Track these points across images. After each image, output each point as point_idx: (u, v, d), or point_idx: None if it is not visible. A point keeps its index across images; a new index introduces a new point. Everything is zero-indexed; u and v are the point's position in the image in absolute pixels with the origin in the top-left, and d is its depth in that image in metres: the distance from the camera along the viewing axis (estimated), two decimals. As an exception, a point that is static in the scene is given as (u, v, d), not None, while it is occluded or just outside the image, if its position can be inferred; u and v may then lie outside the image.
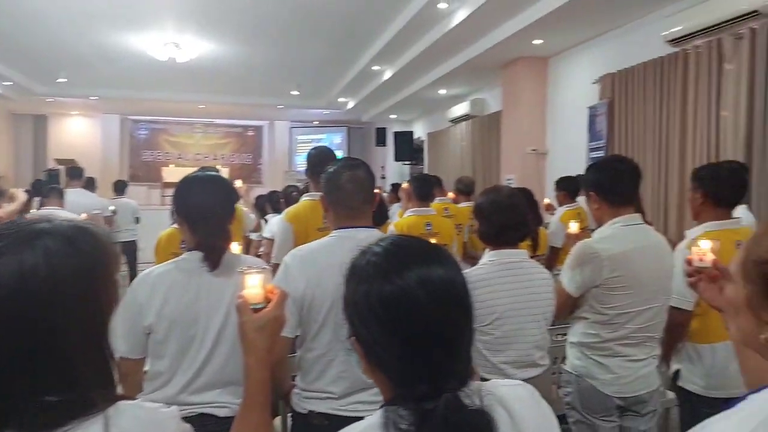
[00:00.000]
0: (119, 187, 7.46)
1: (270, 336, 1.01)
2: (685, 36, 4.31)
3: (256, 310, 1.01)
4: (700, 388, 2.09)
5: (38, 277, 0.71)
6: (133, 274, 7.24)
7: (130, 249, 7.23)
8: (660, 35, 4.52)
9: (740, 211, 2.35)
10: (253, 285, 1.04)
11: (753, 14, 3.71)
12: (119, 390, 0.80)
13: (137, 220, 7.29)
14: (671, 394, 2.46)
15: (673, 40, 4.43)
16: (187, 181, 1.71)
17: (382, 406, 0.78)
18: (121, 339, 1.59)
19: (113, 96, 10.27)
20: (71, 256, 0.75)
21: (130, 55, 7.54)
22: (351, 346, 0.82)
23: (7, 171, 11.50)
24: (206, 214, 1.61)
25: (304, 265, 1.64)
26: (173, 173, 12.63)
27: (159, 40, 6.88)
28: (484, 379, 0.87)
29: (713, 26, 4.03)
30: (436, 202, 4.41)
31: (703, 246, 1.26)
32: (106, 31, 6.61)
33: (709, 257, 1.25)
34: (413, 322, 0.76)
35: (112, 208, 6.77)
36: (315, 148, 2.92)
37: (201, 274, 1.60)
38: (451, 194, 4.95)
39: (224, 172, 12.33)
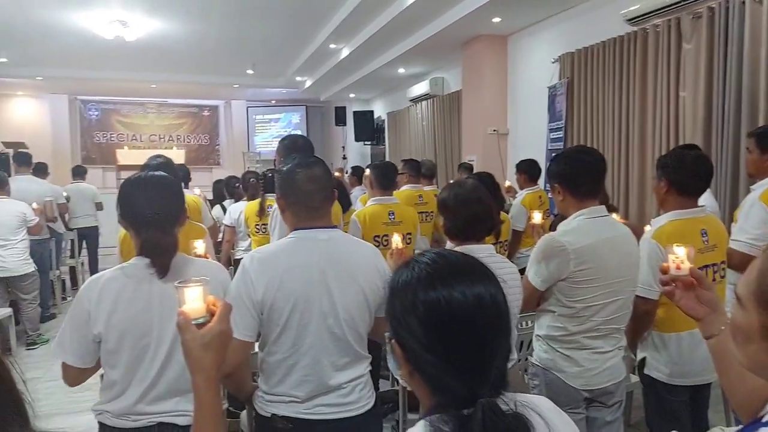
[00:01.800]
0: (78, 172, 7.21)
1: (216, 352, 0.95)
2: (643, 15, 4.30)
3: (199, 325, 0.95)
4: (665, 376, 2.11)
5: None
6: (93, 260, 7.03)
7: (92, 235, 7.05)
8: (619, 14, 4.50)
9: (704, 197, 2.35)
10: (194, 298, 0.96)
11: (711, -7, 3.72)
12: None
13: (99, 206, 7.05)
14: (635, 378, 2.49)
15: (631, 19, 4.43)
16: (129, 183, 1.61)
17: (421, 418, 0.80)
18: (68, 347, 1.54)
19: (59, 75, 9.79)
20: None
21: (75, 33, 7.16)
22: (390, 349, 0.86)
23: (-52, 155, 10.84)
24: (150, 219, 1.51)
25: (264, 268, 1.56)
26: (128, 155, 12.25)
27: (104, 17, 6.52)
28: None
29: (672, 5, 4.03)
30: (408, 189, 4.34)
31: (679, 253, 1.22)
32: (46, 7, 6.20)
33: (686, 266, 1.20)
34: (454, 327, 0.80)
35: (65, 194, 6.49)
36: (287, 137, 2.89)
37: (151, 281, 1.53)
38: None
39: (180, 154, 12.02)
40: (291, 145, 2.68)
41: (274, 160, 2.86)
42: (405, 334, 0.82)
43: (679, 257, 1.21)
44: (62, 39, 7.41)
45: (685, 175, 2.08)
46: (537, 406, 0.83)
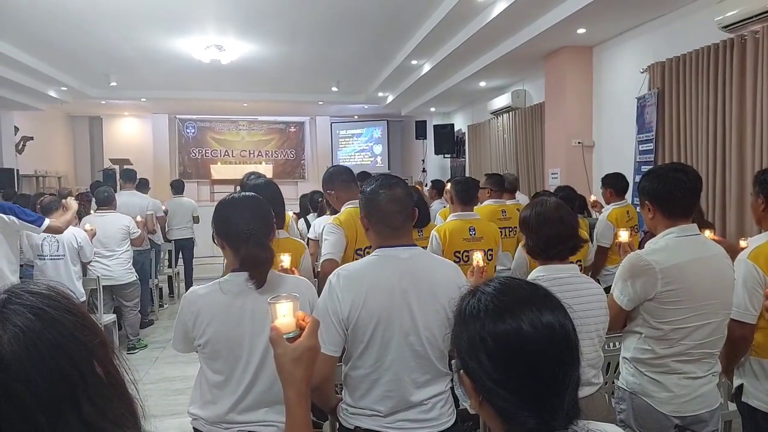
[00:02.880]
0: (177, 187, 7.63)
1: (307, 366, 0.99)
2: (741, 21, 4.05)
3: (290, 340, 1.00)
4: (765, 404, 2.00)
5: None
6: (188, 270, 7.47)
7: (188, 246, 7.42)
8: (713, 21, 4.27)
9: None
10: (284, 314, 1.02)
11: (819, -4, 3.47)
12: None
13: (196, 219, 7.42)
14: (733, 406, 2.36)
15: (727, 26, 4.18)
16: (224, 204, 1.73)
17: None
18: (179, 344, 1.73)
19: (161, 96, 10.60)
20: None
21: (176, 58, 7.74)
22: (459, 380, 0.86)
23: (67, 171, 12.09)
24: (245, 235, 1.62)
25: (349, 285, 1.64)
26: (221, 170, 13.12)
27: (201, 42, 7.04)
28: None
29: (774, 10, 3.78)
30: (490, 203, 4.34)
31: None
32: (149, 35, 6.79)
33: None
34: (524, 360, 0.79)
35: (163, 208, 7.00)
36: (333, 167, 3.25)
37: (246, 295, 1.63)
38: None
39: (269, 169, 12.65)
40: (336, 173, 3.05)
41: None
42: (474, 367, 0.81)
43: None
44: (164, 63, 8.02)
45: (786, 192, 1.98)
46: None
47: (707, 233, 2.52)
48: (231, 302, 1.63)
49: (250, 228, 1.63)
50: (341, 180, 2.99)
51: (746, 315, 1.94)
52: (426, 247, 3.20)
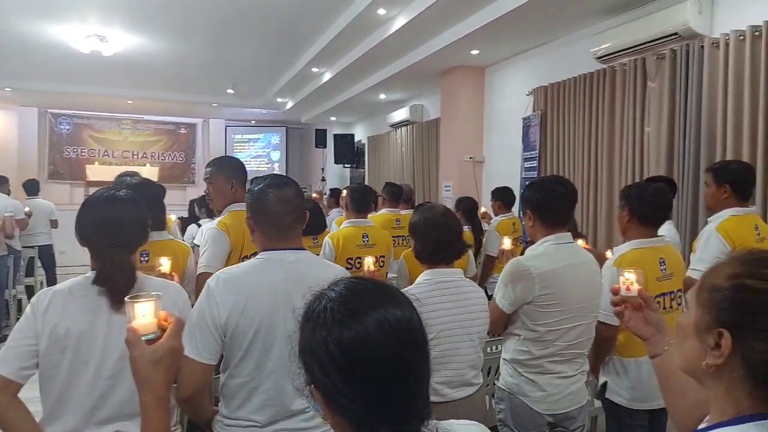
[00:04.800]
0: (31, 187, 6.86)
1: (167, 369, 0.93)
2: (612, 53, 4.49)
3: (150, 342, 0.93)
4: (625, 400, 2.17)
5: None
6: (51, 280, 6.80)
7: (48, 253, 6.81)
8: (589, 51, 4.69)
9: (665, 228, 2.45)
10: (144, 314, 0.95)
11: (674, 36, 3.91)
12: None
13: (54, 223, 6.81)
14: (598, 403, 2.54)
15: (601, 57, 4.62)
16: (90, 204, 1.55)
17: None
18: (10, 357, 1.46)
19: (30, 88, 9.58)
20: None
21: (49, 46, 7.06)
22: (309, 394, 0.81)
23: None
24: (105, 244, 1.47)
25: (229, 289, 1.54)
26: (98, 171, 11.99)
27: (81, 31, 6.47)
28: None
29: (638, 45, 4.22)
30: (385, 212, 4.40)
31: (629, 276, 1.29)
32: (19, 18, 6.13)
33: (635, 287, 1.27)
34: (374, 365, 0.75)
35: (26, 209, 6.33)
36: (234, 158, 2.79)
37: (100, 299, 1.48)
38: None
39: (154, 172, 11.87)
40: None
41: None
42: (323, 380, 0.77)
43: (629, 279, 1.28)
44: (35, 51, 7.28)
45: (645, 206, 2.18)
46: None
47: (580, 242, 2.73)
48: (84, 303, 1.48)
49: (110, 242, 1.46)
50: (243, 179, 2.62)
51: (611, 317, 2.09)
52: (319, 254, 3.14)
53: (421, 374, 0.79)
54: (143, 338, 0.93)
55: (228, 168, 2.59)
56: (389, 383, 0.76)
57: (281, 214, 1.62)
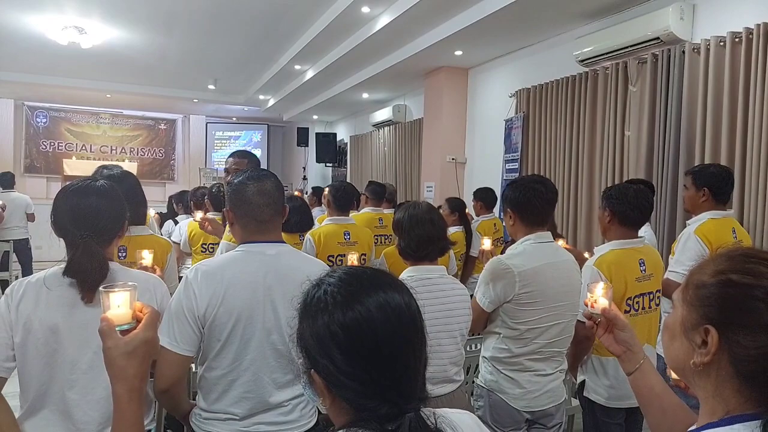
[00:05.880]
0: (5, 181, 6.74)
1: (142, 361, 0.91)
2: (594, 57, 4.54)
3: (124, 332, 0.91)
4: (602, 399, 2.19)
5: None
6: (27, 275, 6.62)
7: (24, 248, 6.70)
8: (572, 55, 4.73)
9: (643, 230, 2.48)
10: (119, 304, 0.93)
11: (655, 41, 3.97)
12: None
13: (30, 217, 6.71)
14: (576, 402, 2.56)
15: (583, 60, 4.66)
16: (67, 193, 1.49)
17: (337, 430, 0.78)
18: None
19: (6, 79, 9.33)
20: None
21: (25, 37, 6.89)
22: (308, 380, 0.81)
23: None
24: (77, 234, 1.42)
25: (207, 281, 1.53)
26: (76, 166, 11.70)
27: (59, 22, 6.32)
28: None
29: (620, 50, 4.27)
30: (368, 211, 4.37)
31: (597, 292, 1.23)
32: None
33: (600, 305, 1.20)
34: (376, 344, 0.77)
35: (0, 203, 6.18)
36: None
37: (75, 290, 1.44)
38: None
39: (133, 167, 11.66)
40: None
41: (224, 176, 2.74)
42: (325, 363, 0.78)
43: (593, 296, 1.22)
44: (11, 42, 7.10)
45: (626, 207, 2.20)
46: (455, 423, 0.83)
47: (560, 242, 2.75)
48: (59, 294, 1.44)
49: (82, 231, 1.41)
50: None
51: (590, 316, 2.11)
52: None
53: (419, 355, 0.81)
54: (117, 329, 0.91)
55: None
56: (390, 362, 0.77)
57: (260, 206, 1.60)
